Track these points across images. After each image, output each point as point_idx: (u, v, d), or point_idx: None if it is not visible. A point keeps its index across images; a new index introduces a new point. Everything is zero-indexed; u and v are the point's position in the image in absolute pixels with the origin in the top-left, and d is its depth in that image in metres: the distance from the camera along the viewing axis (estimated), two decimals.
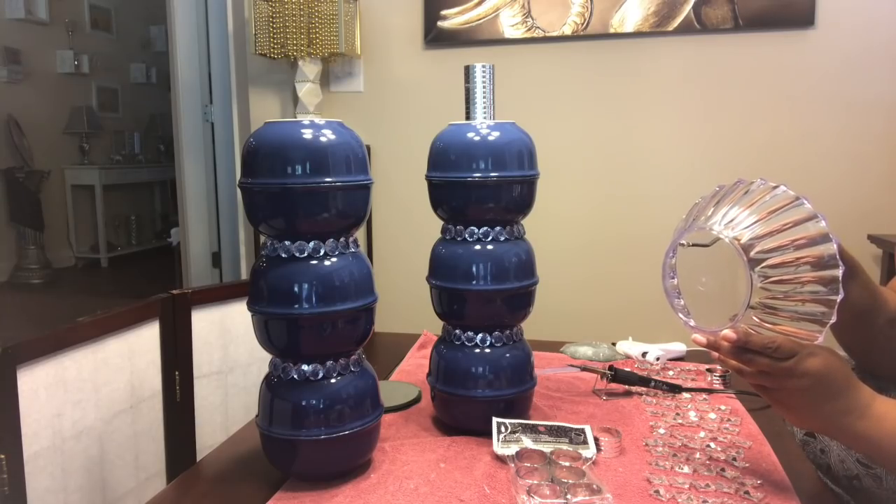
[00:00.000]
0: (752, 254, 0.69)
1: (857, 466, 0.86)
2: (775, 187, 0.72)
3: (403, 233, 2.38)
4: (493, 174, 0.84)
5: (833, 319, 0.69)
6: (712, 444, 0.84)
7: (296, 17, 2.18)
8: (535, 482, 0.71)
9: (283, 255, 0.74)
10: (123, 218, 5.91)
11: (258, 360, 1.26)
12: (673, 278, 0.77)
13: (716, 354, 0.73)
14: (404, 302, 1.92)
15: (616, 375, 1.03)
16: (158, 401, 1.09)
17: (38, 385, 0.86)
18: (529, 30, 2.21)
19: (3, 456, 0.79)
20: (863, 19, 2.01)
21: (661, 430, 0.89)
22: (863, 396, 0.71)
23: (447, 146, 0.87)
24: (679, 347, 1.21)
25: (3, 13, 4.86)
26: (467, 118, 0.89)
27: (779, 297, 0.69)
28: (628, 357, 1.19)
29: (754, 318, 0.70)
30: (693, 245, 0.75)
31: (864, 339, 0.90)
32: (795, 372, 0.68)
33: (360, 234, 1.07)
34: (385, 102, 2.38)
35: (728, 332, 0.69)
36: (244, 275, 2.59)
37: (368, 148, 2.23)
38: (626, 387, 1.03)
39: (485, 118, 0.89)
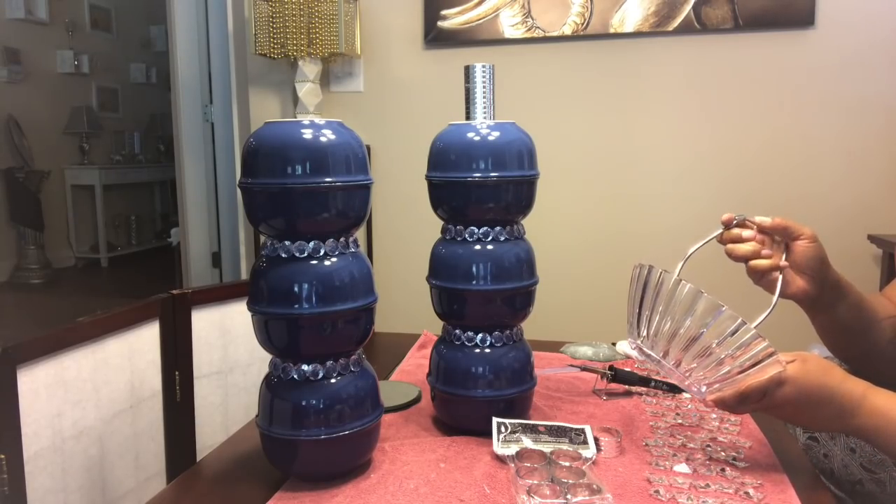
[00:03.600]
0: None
1: (860, 471, 0.86)
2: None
3: (403, 233, 2.38)
4: (493, 174, 0.84)
5: (772, 354, 0.72)
6: (712, 445, 0.84)
7: (296, 17, 2.18)
8: (535, 482, 0.71)
9: (283, 255, 0.74)
10: (123, 218, 5.91)
11: (258, 360, 1.26)
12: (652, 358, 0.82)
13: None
14: (404, 302, 1.92)
15: (616, 375, 1.03)
16: (158, 401, 1.09)
17: (38, 385, 0.86)
18: (529, 30, 2.21)
19: (3, 456, 0.79)
20: (863, 19, 2.01)
21: (661, 430, 0.89)
22: (853, 396, 0.73)
23: (447, 146, 0.87)
24: None
25: (3, 13, 4.86)
26: (467, 118, 0.89)
27: (720, 379, 0.75)
28: (628, 357, 1.19)
29: (714, 393, 0.76)
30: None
31: (859, 353, 0.90)
32: (773, 404, 0.73)
33: (360, 234, 1.07)
34: (385, 102, 2.38)
35: (709, 400, 0.76)
36: (244, 275, 2.59)
37: (368, 148, 2.23)
38: (626, 387, 1.03)
39: (485, 118, 0.89)
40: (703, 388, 0.76)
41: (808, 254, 0.82)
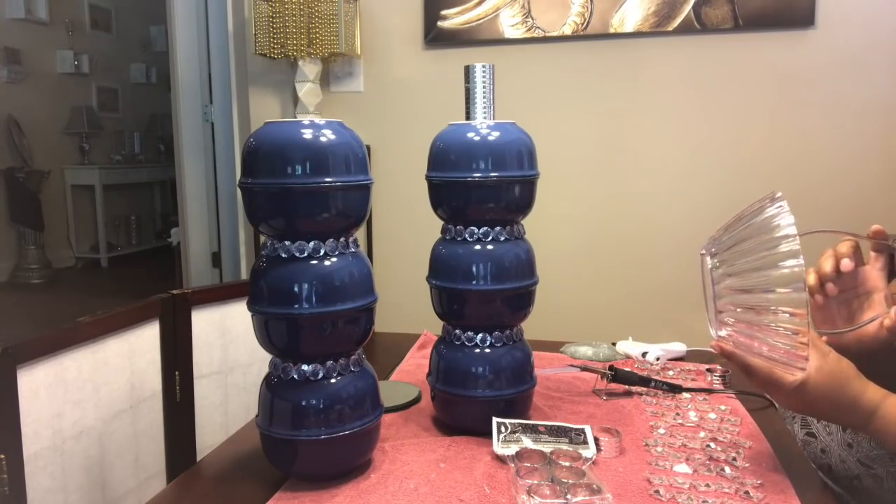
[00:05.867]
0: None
1: (857, 466, 0.86)
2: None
3: (403, 233, 2.38)
4: (493, 174, 0.84)
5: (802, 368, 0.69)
6: (712, 444, 0.84)
7: (296, 17, 2.18)
8: (535, 482, 0.71)
9: (283, 255, 0.74)
10: (123, 218, 5.91)
11: (258, 360, 1.26)
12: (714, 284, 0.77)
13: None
14: (404, 302, 1.92)
15: (616, 375, 1.03)
16: (158, 401, 1.09)
17: (38, 385, 0.86)
18: (529, 30, 2.21)
19: (3, 456, 0.79)
20: (863, 19, 2.01)
21: (661, 430, 0.89)
22: (865, 405, 0.70)
23: (447, 146, 0.87)
24: (679, 347, 1.21)
25: (3, 13, 4.86)
26: (467, 118, 0.89)
27: (741, 336, 0.71)
28: (628, 357, 1.19)
29: (727, 344, 0.73)
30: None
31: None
32: (783, 404, 0.72)
33: (360, 234, 1.07)
34: (385, 102, 2.38)
35: (716, 343, 0.73)
36: (244, 275, 2.59)
37: (368, 148, 2.23)
38: (626, 387, 1.03)
39: (485, 118, 0.89)
40: (722, 333, 0.72)
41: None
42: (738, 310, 0.71)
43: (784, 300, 0.67)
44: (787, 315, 0.67)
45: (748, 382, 0.75)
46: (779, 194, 0.72)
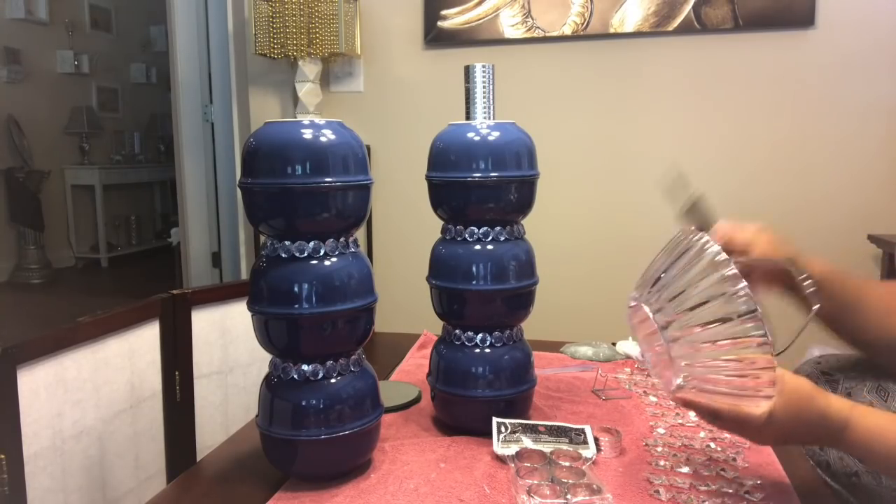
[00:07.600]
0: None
1: (856, 464, 0.86)
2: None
3: (403, 233, 2.38)
4: (493, 174, 0.84)
5: (769, 393, 0.65)
6: (712, 444, 0.84)
7: (296, 17, 2.18)
8: (535, 482, 0.71)
9: (283, 255, 0.74)
10: (123, 218, 5.91)
11: (258, 360, 1.26)
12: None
13: None
14: (404, 302, 1.92)
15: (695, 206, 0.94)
16: (158, 401, 1.09)
17: (38, 385, 0.86)
18: (529, 30, 2.21)
19: (3, 456, 0.79)
20: (863, 19, 2.01)
21: (661, 430, 0.89)
22: (834, 417, 0.68)
23: (447, 146, 0.87)
24: None
25: (3, 13, 4.86)
26: (467, 118, 0.89)
27: (703, 379, 0.67)
28: (628, 357, 1.19)
29: (686, 392, 0.69)
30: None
31: (856, 335, 0.88)
32: (761, 443, 0.72)
33: (360, 234, 1.07)
34: (385, 102, 2.38)
35: (674, 396, 0.69)
36: (244, 275, 2.59)
37: (368, 148, 2.23)
38: (626, 387, 1.03)
39: (485, 118, 0.89)
40: (679, 381, 0.68)
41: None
42: (693, 348, 0.67)
43: (732, 331, 0.64)
44: (731, 342, 0.64)
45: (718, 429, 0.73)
46: (693, 229, 0.72)
